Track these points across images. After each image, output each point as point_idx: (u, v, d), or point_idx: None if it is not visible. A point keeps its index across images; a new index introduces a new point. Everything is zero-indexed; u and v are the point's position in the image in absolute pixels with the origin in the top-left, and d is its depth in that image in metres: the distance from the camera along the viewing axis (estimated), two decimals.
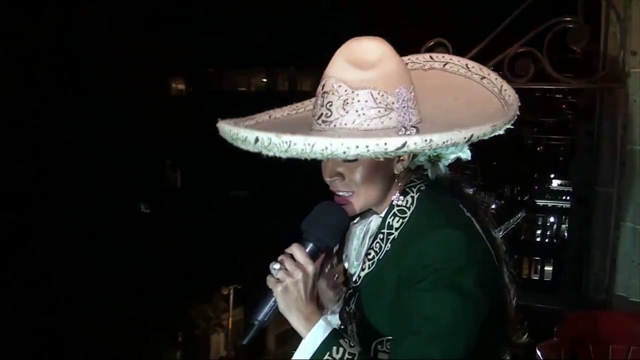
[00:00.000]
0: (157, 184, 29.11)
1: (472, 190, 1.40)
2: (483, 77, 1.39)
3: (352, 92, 1.17)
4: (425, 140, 1.07)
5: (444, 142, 1.08)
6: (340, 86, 1.18)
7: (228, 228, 21.86)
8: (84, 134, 24.43)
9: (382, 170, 1.26)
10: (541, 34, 2.97)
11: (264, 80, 34.07)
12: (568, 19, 2.94)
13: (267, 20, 30.65)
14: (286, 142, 1.07)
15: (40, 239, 19.02)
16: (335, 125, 1.18)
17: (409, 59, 1.48)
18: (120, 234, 21.28)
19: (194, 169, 28.90)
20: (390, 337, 1.23)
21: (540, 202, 31.45)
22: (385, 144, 1.05)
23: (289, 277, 1.21)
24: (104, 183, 24.15)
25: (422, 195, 1.30)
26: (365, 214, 1.38)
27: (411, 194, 1.30)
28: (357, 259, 1.38)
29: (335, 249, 1.41)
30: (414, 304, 1.16)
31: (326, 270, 1.43)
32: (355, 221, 1.40)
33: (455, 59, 1.46)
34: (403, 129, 1.18)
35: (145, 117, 28.11)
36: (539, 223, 30.98)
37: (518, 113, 1.24)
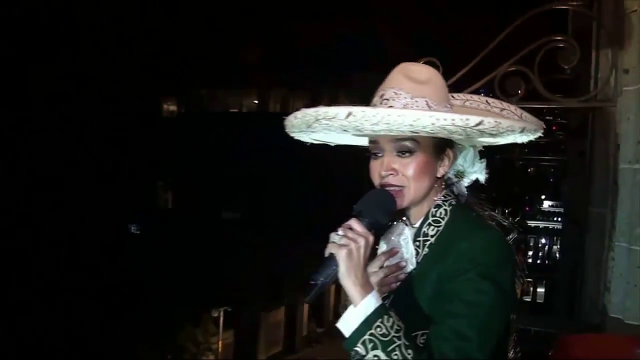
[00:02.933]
0: (148, 205, 28.96)
1: (487, 212, 1.54)
2: (503, 109, 1.56)
3: (412, 98, 1.37)
4: (496, 122, 1.28)
5: (508, 127, 1.31)
6: (400, 94, 1.38)
7: (219, 250, 21.71)
8: (74, 154, 24.33)
9: (429, 169, 1.43)
10: (532, 54, 2.95)
11: (256, 101, 34.12)
12: (559, 37, 2.92)
13: (259, 42, 30.79)
14: (379, 114, 1.24)
15: (28, 258, 18.82)
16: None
17: None
18: (110, 255, 21.10)
19: (186, 190, 28.80)
20: (425, 331, 1.33)
21: (532, 223, 31.51)
22: (467, 119, 1.25)
23: (353, 242, 1.31)
24: (94, 203, 24.00)
25: (454, 208, 1.47)
26: (393, 228, 1.56)
27: (444, 207, 1.47)
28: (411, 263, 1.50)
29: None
30: (457, 291, 1.30)
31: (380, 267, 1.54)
32: (388, 235, 1.56)
33: (475, 97, 1.63)
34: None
35: (137, 138, 28.05)
36: (531, 244, 31.03)
37: (544, 126, 1.46)
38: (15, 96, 22.14)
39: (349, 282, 1.30)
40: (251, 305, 20.61)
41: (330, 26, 28.39)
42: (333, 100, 32.56)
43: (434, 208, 1.47)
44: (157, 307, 17.85)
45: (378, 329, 1.26)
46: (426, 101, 1.37)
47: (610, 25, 2.96)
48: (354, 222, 1.34)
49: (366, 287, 1.31)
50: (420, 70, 1.43)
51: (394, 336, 1.26)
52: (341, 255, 1.30)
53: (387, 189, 1.42)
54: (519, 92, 2.90)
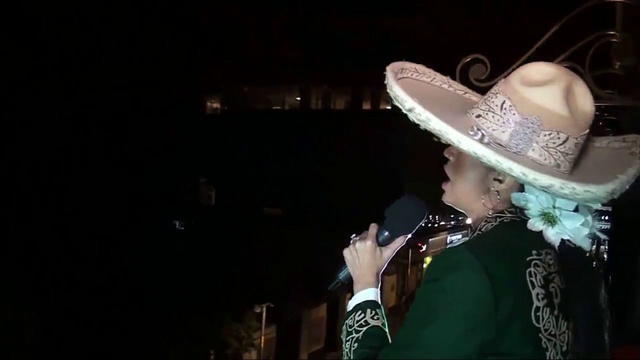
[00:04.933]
0: (192, 201, 29.34)
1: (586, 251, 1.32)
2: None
3: (495, 94, 1.28)
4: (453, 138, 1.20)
5: (457, 141, 1.18)
6: (496, 86, 1.30)
7: (262, 246, 21.84)
8: (119, 149, 24.81)
9: (472, 174, 1.36)
10: (581, 49, 2.84)
11: (298, 99, 34.19)
12: (612, 32, 2.80)
13: (301, 39, 30.84)
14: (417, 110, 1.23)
15: (73, 253, 19.26)
16: (471, 112, 1.32)
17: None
18: (154, 250, 21.44)
19: (229, 186, 29.07)
20: None
21: None
22: (446, 131, 1.20)
23: (352, 245, 1.53)
24: (139, 199, 24.43)
25: (500, 225, 1.32)
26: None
27: (493, 222, 1.33)
28: None
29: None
30: (413, 308, 1.25)
31: None
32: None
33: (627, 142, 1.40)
34: (491, 142, 1.23)
35: (181, 135, 28.45)
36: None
37: (594, 196, 1.18)
38: (58, 91, 22.62)
39: (353, 277, 1.53)
40: (293, 301, 20.66)
41: (372, 22, 28.22)
42: (376, 98, 32.41)
43: (484, 222, 1.35)
44: (199, 302, 18.05)
45: (349, 320, 1.47)
46: (504, 100, 1.25)
47: None
48: (371, 227, 1.55)
49: (363, 284, 1.50)
50: (538, 71, 1.25)
51: (354, 329, 1.43)
52: (344, 254, 1.54)
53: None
54: None
